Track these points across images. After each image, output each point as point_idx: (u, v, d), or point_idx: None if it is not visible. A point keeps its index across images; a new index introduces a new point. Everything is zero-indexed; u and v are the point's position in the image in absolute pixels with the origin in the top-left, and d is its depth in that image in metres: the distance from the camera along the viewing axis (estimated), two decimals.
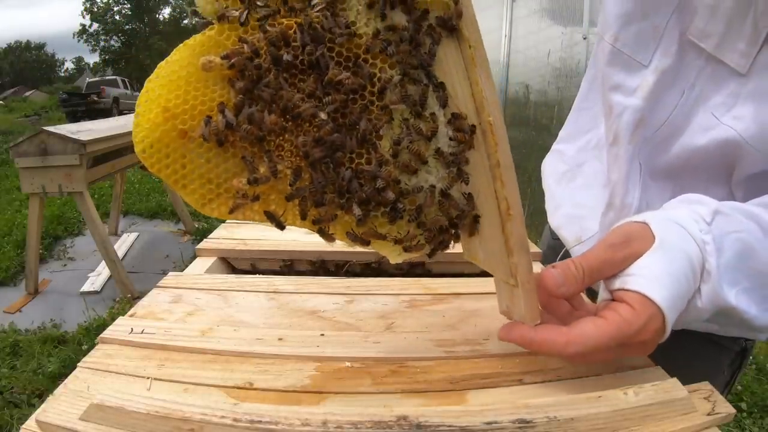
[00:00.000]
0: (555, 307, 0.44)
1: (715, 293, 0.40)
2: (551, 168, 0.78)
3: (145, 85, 0.34)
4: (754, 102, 0.47)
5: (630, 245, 0.41)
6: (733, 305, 0.41)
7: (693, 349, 0.61)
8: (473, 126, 0.36)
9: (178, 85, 0.33)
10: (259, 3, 0.33)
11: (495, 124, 0.35)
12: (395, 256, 0.38)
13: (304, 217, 0.37)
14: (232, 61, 0.32)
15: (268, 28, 0.33)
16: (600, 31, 0.60)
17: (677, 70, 0.53)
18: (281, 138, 0.34)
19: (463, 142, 0.35)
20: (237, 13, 0.33)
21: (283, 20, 0.33)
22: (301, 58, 0.33)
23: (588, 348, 0.38)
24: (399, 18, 0.34)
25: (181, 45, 0.35)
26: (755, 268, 0.42)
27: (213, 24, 0.34)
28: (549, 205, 0.76)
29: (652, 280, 0.39)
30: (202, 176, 0.34)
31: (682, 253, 0.40)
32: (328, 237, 0.38)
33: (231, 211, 0.35)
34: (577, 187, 0.72)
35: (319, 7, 0.33)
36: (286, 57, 0.33)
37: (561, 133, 0.79)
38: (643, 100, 0.55)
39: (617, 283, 0.41)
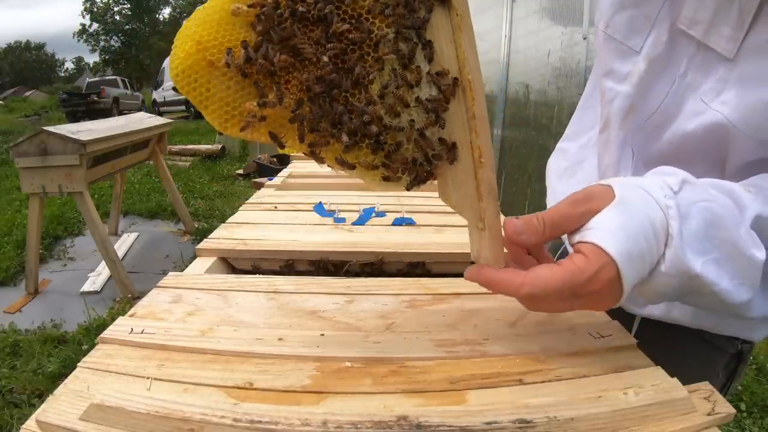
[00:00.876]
0: (523, 262, 0.46)
1: (678, 258, 0.41)
2: (554, 166, 0.79)
3: (183, 24, 0.41)
4: (741, 86, 0.48)
5: (590, 202, 0.43)
6: (697, 272, 0.41)
7: (687, 349, 0.61)
8: (456, 78, 0.41)
9: (211, 25, 0.40)
10: None
11: (474, 81, 0.41)
12: (375, 185, 0.44)
13: (301, 141, 0.42)
14: (257, 9, 0.39)
15: None
16: (596, 21, 0.62)
17: (668, 59, 0.54)
18: (290, 75, 0.41)
19: (446, 92, 0.41)
20: None
21: None
22: (312, 12, 0.40)
23: (540, 289, 0.41)
24: None
25: None
26: (727, 240, 0.42)
27: None
28: (549, 201, 0.77)
29: (606, 232, 0.40)
30: (222, 99, 0.41)
31: (642, 213, 0.41)
32: (320, 159, 0.44)
33: (242, 129, 0.42)
34: (577, 183, 0.73)
35: None
36: (301, 9, 0.40)
37: (566, 132, 0.80)
38: (634, 86, 0.56)
39: (577, 237, 0.42)
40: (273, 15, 0.40)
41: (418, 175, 0.43)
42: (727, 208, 0.43)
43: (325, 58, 0.40)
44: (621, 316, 0.61)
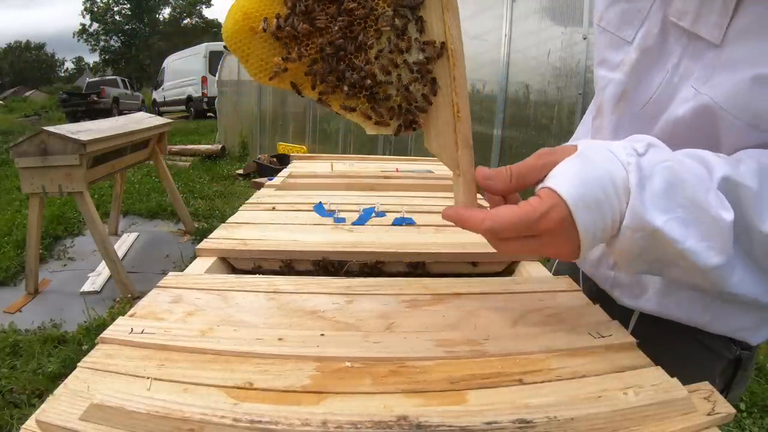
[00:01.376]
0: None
1: (635, 211, 0.42)
2: None
3: None
4: (727, 70, 0.49)
5: (553, 155, 0.46)
6: (657, 227, 0.42)
7: (682, 351, 0.61)
8: (443, 43, 0.50)
9: (254, 0, 0.52)
10: None
11: (455, 51, 0.50)
12: (369, 129, 0.54)
13: (313, 89, 0.54)
14: None
15: None
16: (593, 19, 0.65)
17: (661, 50, 0.56)
18: (309, 40, 0.53)
19: (431, 57, 0.51)
20: None
21: None
22: None
23: (498, 224, 0.44)
24: None
25: None
26: (692, 200, 0.43)
27: None
28: None
29: (559, 177, 0.44)
30: (258, 56, 0.53)
31: (601, 167, 0.43)
32: (327, 105, 0.55)
33: (270, 78, 0.54)
34: None
35: None
36: None
37: (575, 134, 0.82)
38: (625, 74, 0.58)
39: (538, 186, 0.46)
40: None
41: (404, 122, 0.53)
42: (694, 170, 0.44)
43: (336, 28, 0.52)
44: (619, 311, 0.63)
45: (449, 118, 0.51)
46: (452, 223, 0.50)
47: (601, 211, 0.43)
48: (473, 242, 0.83)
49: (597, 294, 0.66)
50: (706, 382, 0.43)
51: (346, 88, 0.52)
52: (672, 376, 0.46)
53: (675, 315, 0.59)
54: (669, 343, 0.61)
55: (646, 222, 0.42)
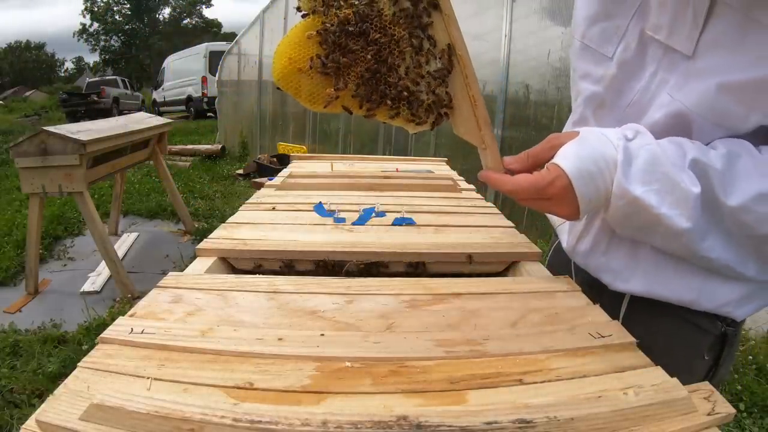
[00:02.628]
0: None
1: (620, 183, 0.53)
2: None
3: (277, 46, 0.62)
4: (698, 79, 0.56)
5: (559, 139, 0.58)
6: (636, 195, 0.53)
7: (672, 331, 0.67)
8: (449, 45, 0.60)
9: (294, 46, 0.61)
10: (332, 3, 0.61)
11: (462, 55, 0.60)
12: (411, 129, 0.63)
13: (361, 107, 0.63)
14: (322, 34, 0.61)
15: (338, 13, 0.61)
16: (572, 33, 0.72)
17: (639, 62, 0.63)
18: (350, 69, 0.62)
19: (447, 64, 0.61)
20: (321, 9, 0.61)
21: (346, 10, 0.61)
22: (356, 29, 0.60)
23: (517, 186, 0.57)
24: (405, 3, 0.59)
25: (295, 25, 0.63)
26: (667, 175, 0.53)
27: (308, 14, 0.62)
28: None
29: (561, 155, 0.56)
30: (308, 90, 0.62)
31: (595, 148, 0.55)
32: (372, 117, 0.64)
33: (325, 107, 0.62)
34: None
35: (364, 2, 0.60)
36: (349, 29, 0.60)
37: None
38: (605, 87, 0.66)
39: (548, 164, 0.57)
40: (332, 36, 0.61)
41: (437, 119, 0.63)
42: (670, 152, 0.54)
43: (369, 56, 0.61)
44: (609, 295, 0.67)
45: (468, 107, 0.61)
46: (483, 184, 0.63)
47: (594, 182, 0.54)
48: (473, 242, 0.83)
49: (589, 282, 0.70)
50: (706, 382, 0.43)
51: (389, 102, 0.62)
52: (665, 356, 0.53)
53: (664, 295, 0.64)
54: (659, 324, 0.67)
55: (628, 191, 0.53)
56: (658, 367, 0.45)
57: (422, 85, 0.62)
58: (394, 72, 0.62)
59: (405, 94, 0.62)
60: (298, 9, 0.63)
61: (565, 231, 0.76)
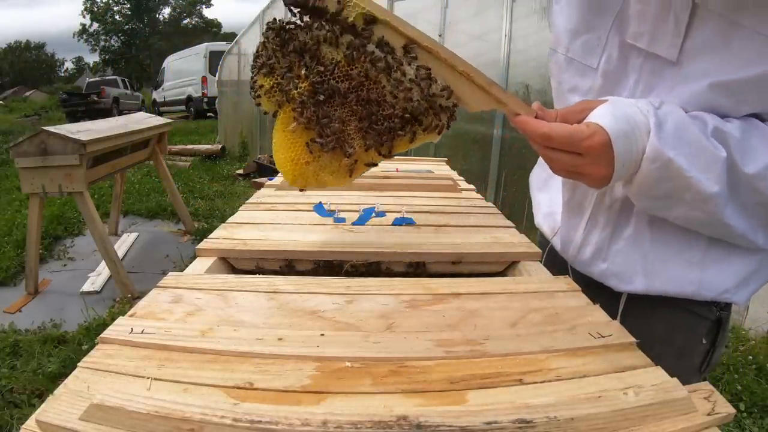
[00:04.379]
0: None
1: (654, 146, 0.54)
2: (535, 178, 0.92)
3: (273, 155, 0.66)
4: (687, 82, 0.59)
5: (589, 104, 0.58)
6: (671, 157, 0.54)
7: (671, 321, 0.70)
8: (405, 45, 0.59)
9: (287, 146, 0.65)
10: (288, 87, 0.62)
11: (430, 44, 0.59)
12: (435, 138, 0.63)
13: (380, 154, 0.64)
14: (303, 120, 0.63)
15: (300, 92, 0.62)
16: (552, 46, 0.73)
17: (623, 70, 0.64)
18: (347, 130, 0.63)
19: (419, 64, 0.60)
20: (283, 98, 0.64)
21: (303, 84, 0.62)
22: (325, 93, 0.61)
23: (553, 132, 0.55)
24: (347, 38, 0.60)
25: (274, 129, 0.66)
26: (694, 140, 0.55)
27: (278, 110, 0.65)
28: (534, 209, 0.90)
29: (600, 115, 0.55)
30: (329, 173, 0.65)
31: (627, 111, 0.55)
32: (398, 151, 0.65)
33: (350, 175, 0.65)
34: (553, 190, 0.84)
35: (313, 66, 0.61)
36: (320, 98, 0.61)
37: None
38: (594, 98, 0.65)
39: (585, 122, 0.56)
40: (312, 116, 0.62)
41: (450, 113, 0.62)
42: (694, 121, 0.56)
43: (354, 107, 0.61)
44: (608, 293, 0.69)
45: (467, 83, 0.60)
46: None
47: (629, 142, 0.54)
48: (473, 243, 0.83)
49: (586, 281, 0.71)
50: (706, 382, 0.43)
51: (400, 132, 0.62)
52: (666, 344, 0.61)
53: (666, 290, 0.67)
54: (659, 315, 0.70)
55: (662, 153, 0.54)
56: (658, 367, 0.45)
57: (416, 95, 0.60)
58: (384, 103, 0.61)
59: (407, 115, 0.60)
60: (266, 113, 0.66)
61: (561, 242, 0.78)
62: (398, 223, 0.94)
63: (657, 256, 0.66)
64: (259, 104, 0.66)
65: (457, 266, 0.79)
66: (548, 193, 0.86)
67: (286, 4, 0.61)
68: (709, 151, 0.54)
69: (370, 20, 0.60)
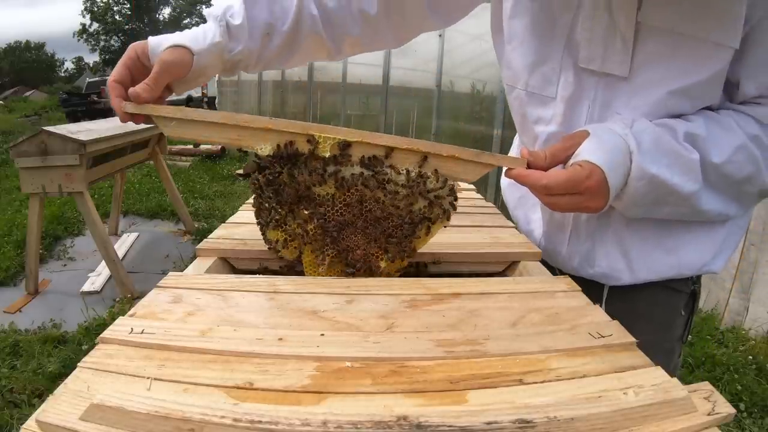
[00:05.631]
0: None
1: (639, 166, 0.60)
2: (510, 197, 0.97)
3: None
4: (643, 93, 0.64)
5: (573, 139, 0.62)
6: (654, 173, 0.60)
7: (652, 297, 0.77)
8: (387, 157, 0.64)
9: (323, 275, 0.69)
10: (302, 232, 0.67)
11: (409, 146, 0.63)
12: (445, 222, 0.67)
13: (402, 260, 0.69)
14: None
15: (310, 233, 0.67)
16: (510, 83, 0.79)
17: (579, 93, 0.69)
18: (372, 249, 0.68)
19: (409, 169, 0.64)
20: (306, 239, 0.68)
21: (310, 227, 0.67)
22: (335, 227, 0.66)
23: (553, 181, 0.58)
24: (330, 168, 0.63)
25: (305, 264, 0.70)
26: (670, 150, 0.61)
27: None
28: (519, 228, 0.95)
29: (590, 151, 0.59)
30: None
31: (610, 141, 0.60)
32: (416, 251, 0.70)
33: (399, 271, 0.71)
34: (528, 206, 0.90)
35: (311, 206, 0.65)
36: (333, 234, 0.66)
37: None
38: (558, 124, 0.72)
39: (571, 162, 0.61)
40: (334, 253, 0.67)
41: (454, 198, 0.66)
42: (665, 130, 0.62)
43: (367, 230, 0.65)
44: (592, 288, 0.73)
45: (456, 162, 0.64)
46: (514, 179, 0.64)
47: (619, 171, 0.59)
48: (473, 243, 0.83)
49: (571, 275, 0.75)
50: (706, 382, 0.43)
51: (416, 234, 0.66)
52: (649, 321, 0.72)
53: (650, 278, 0.74)
54: (640, 293, 0.77)
55: (647, 171, 0.60)
56: (658, 367, 0.45)
57: (418, 204, 0.64)
58: (391, 216, 0.64)
59: (417, 217, 0.65)
60: (281, 258, 0.70)
61: (548, 255, 0.83)
62: None
63: (638, 253, 0.73)
64: (282, 257, 0.70)
65: (466, 265, 0.79)
66: (523, 210, 0.92)
67: (260, 168, 0.65)
68: (684, 157, 0.61)
69: (345, 145, 0.63)
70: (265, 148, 0.64)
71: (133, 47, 0.67)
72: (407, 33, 0.86)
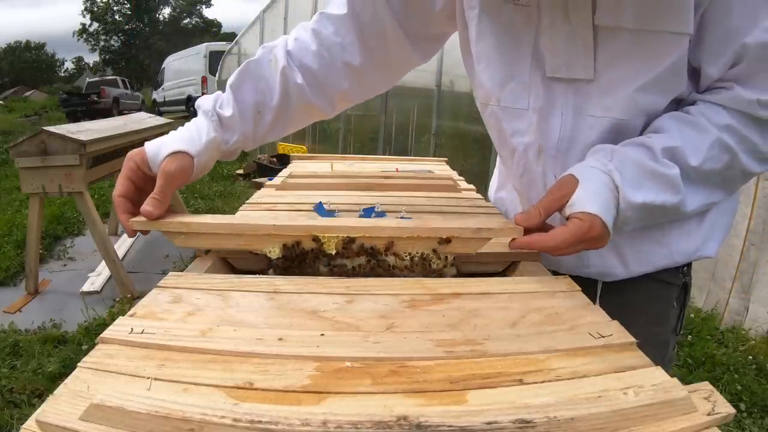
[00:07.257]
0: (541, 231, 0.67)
1: (626, 198, 0.63)
2: (501, 209, 0.99)
3: None
4: (611, 92, 0.67)
5: (563, 189, 0.64)
6: (640, 202, 0.63)
7: (647, 289, 0.80)
8: (390, 246, 0.68)
9: None
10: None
11: (410, 234, 0.67)
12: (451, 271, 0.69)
13: None
14: None
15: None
16: (484, 101, 0.80)
17: (551, 101, 0.71)
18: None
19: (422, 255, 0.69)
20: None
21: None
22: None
23: (559, 241, 0.61)
24: (338, 263, 0.68)
25: None
26: (650, 171, 0.63)
27: None
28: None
29: (585, 201, 0.62)
30: None
31: (597, 181, 0.63)
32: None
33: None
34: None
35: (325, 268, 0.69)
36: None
37: (493, 184, 1.06)
38: (534, 134, 0.73)
39: (567, 212, 0.63)
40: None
41: (459, 264, 0.69)
42: (642, 152, 0.64)
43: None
44: (586, 284, 0.72)
45: (454, 242, 0.67)
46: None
47: (610, 209, 0.62)
48: None
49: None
50: (706, 383, 0.43)
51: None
52: (642, 313, 0.75)
53: (643, 271, 0.77)
54: (634, 287, 0.79)
55: (633, 201, 0.63)
56: (658, 367, 0.45)
57: (418, 274, 0.68)
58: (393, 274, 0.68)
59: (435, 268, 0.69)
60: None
61: (544, 260, 0.83)
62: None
63: (629, 248, 0.76)
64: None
65: (467, 265, 0.78)
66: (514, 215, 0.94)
67: (275, 268, 0.69)
68: (665, 175, 0.64)
69: (349, 240, 0.66)
70: (274, 251, 0.68)
71: (131, 157, 0.68)
72: (395, 73, 0.90)
